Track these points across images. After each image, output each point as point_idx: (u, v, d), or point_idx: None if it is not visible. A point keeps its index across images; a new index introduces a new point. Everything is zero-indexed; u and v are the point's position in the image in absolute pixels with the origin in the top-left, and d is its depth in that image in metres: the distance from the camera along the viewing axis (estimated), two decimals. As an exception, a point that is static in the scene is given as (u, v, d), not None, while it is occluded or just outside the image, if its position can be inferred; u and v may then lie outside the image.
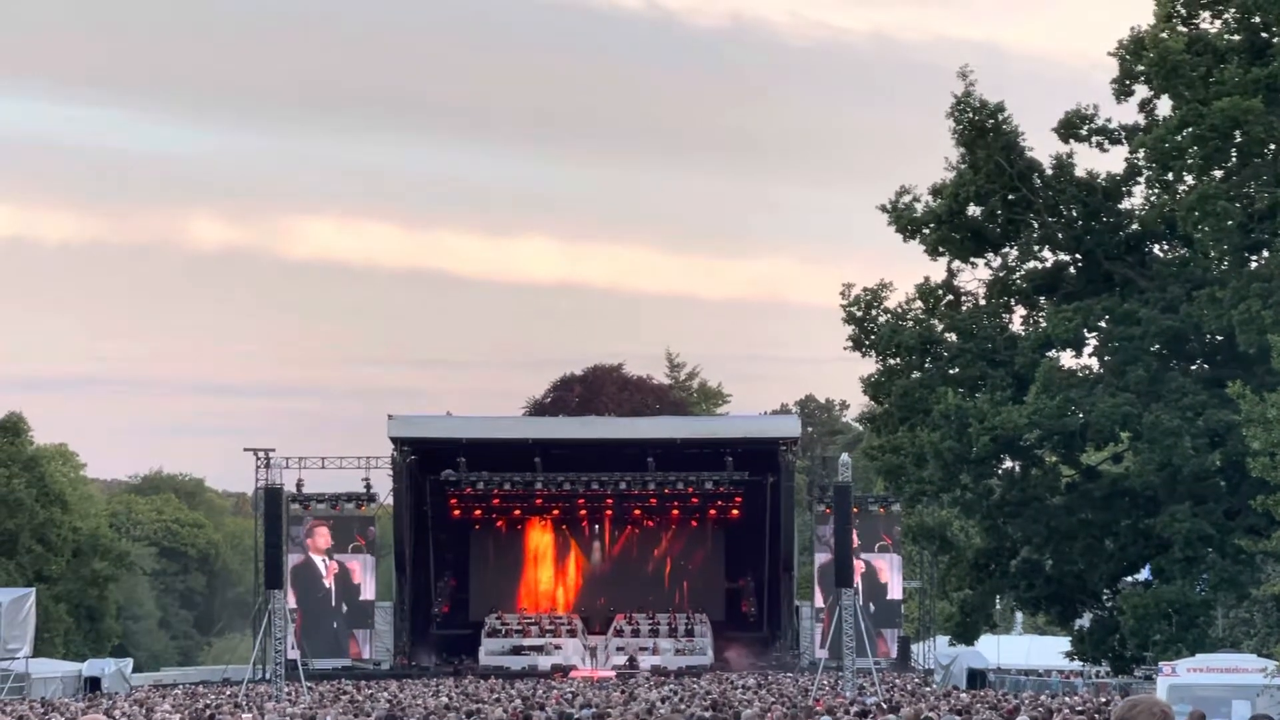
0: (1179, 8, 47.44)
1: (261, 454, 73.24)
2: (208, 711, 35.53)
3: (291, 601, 72.93)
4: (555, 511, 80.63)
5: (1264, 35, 47.12)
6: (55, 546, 77.52)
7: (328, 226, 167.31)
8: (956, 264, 51.81)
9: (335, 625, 76.89)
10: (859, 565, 73.80)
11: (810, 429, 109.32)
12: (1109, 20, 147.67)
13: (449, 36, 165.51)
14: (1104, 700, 37.19)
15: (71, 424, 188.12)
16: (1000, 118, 50.09)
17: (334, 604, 76.90)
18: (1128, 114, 50.09)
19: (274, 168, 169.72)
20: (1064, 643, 55.84)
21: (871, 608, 72.75)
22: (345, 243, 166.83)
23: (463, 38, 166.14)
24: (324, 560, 77.17)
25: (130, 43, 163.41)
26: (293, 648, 69.70)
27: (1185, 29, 47.21)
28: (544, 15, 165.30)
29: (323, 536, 77.17)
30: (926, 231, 50.81)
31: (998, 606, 59.68)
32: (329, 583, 77.04)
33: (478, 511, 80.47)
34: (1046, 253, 51.95)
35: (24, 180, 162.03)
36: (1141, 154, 48.96)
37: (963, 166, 50.57)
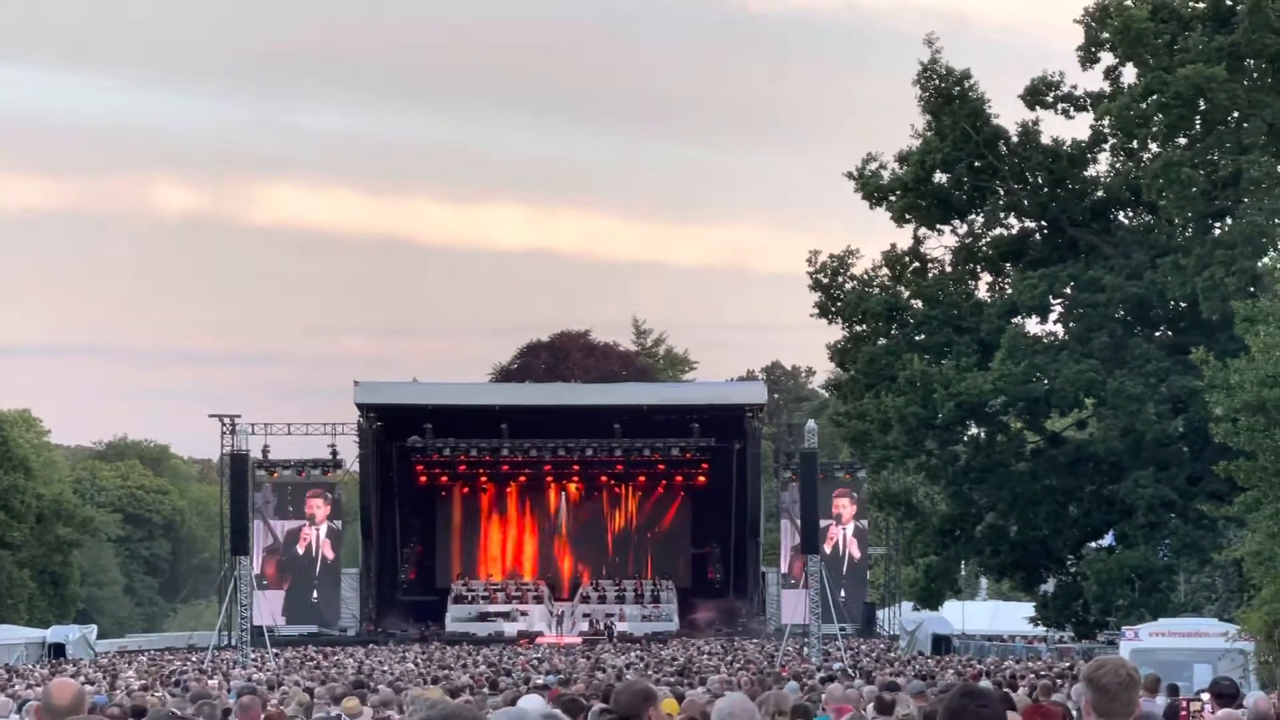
0: (1144, -25, 47.54)
1: (227, 420, 73.12)
2: (174, 677, 35.51)
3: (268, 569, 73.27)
4: (522, 478, 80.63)
5: (1228, 3, 47.26)
6: (18, 512, 77.22)
7: (293, 193, 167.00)
8: (923, 231, 51.96)
9: (318, 593, 77.21)
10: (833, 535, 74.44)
11: (776, 395, 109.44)
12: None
13: (420, 7, 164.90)
14: (1067, 665, 37.40)
15: (35, 390, 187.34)
16: (966, 85, 50.19)
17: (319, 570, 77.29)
18: (1093, 81, 50.29)
19: (238, 134, 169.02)
20: (1028, 608, 56.12)
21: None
22: (311, 209, 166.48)
23: (434, 8, 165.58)
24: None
25: (92, 8, 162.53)
26: (280, 613, 70.07)
27: (1150, -4, 47.32)
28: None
29: (314, 506, 77.47)
30: (893, 199, 50.90)
31: (962, 572, 59.89)
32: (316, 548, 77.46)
33: (444, 478, 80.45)
34: (1012, 219, 52.18)
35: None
36: (1106, 121, 49.13)
37: (929, 134, 50.66)
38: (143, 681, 32.42)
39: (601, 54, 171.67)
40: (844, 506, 77.10)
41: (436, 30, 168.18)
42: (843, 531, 77.23)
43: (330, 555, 77.80)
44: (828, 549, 71.98)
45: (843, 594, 71.41)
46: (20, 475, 78.10)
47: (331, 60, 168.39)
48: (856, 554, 77.78)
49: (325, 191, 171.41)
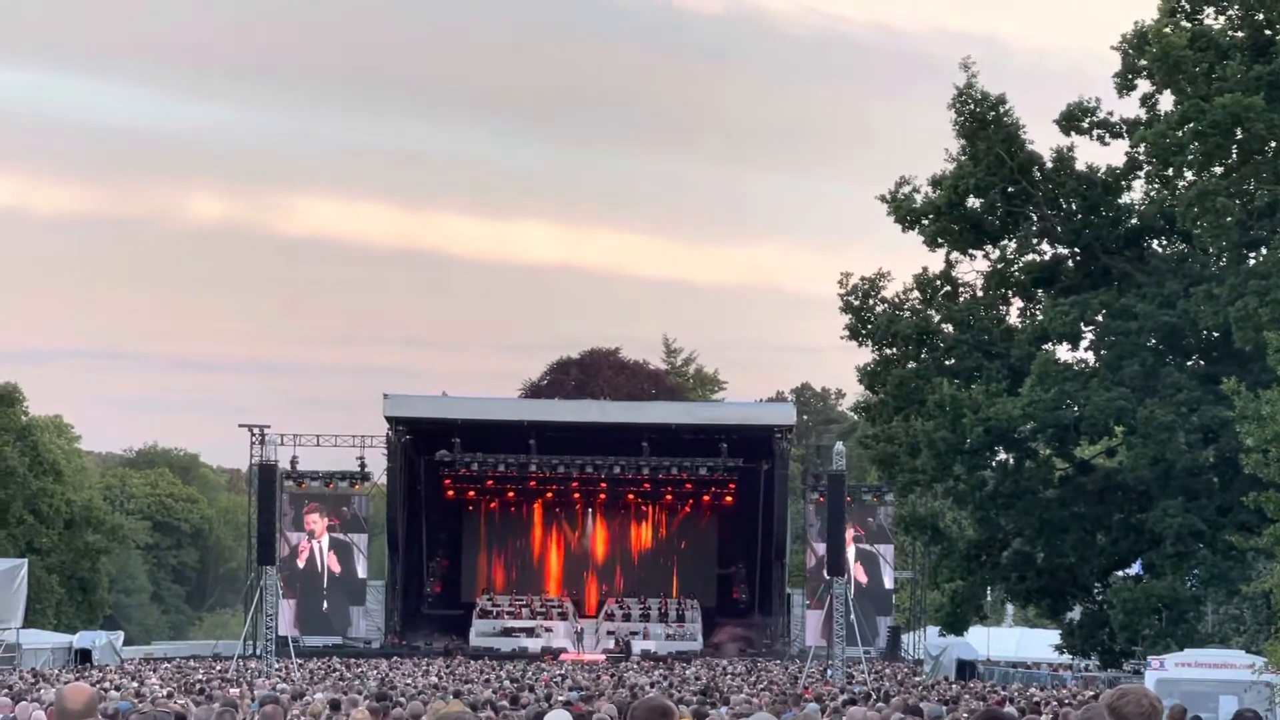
0: (1183, 3, 47.42)
1: (256, 430, 73.33)
2: (198, 686, 35.59)
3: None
4: (549, 494, 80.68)
5: (1267, 33, 47.10)
6: (48, 518, 77.50)
7: (325, 204, 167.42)
8: (955, 255, 51.87)
9: (327, 604, 77.03)
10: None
11: (805, 417, 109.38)
12: (1108, 15, 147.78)
13: (450, 18, 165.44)
14: (1091, 694, 37.24)
15: (67, 397, 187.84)
16: (1001, 110, 50.10)
17: (327, 583, 77.03)
18: (1129, 108, 50.15)
19: (272, 144, 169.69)
20: (1054, 635, 55.90)
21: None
22: (342, 221, 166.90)
23: (465, 20, 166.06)
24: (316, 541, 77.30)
25: (129, 16, 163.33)
26: (293, 624, 70.07)
27: (1189, 24, 47.20)
28: (547, 1, 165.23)
29: (311, 521, 77.24)
30: (925, 222, 50.82)
31: (988, 598, 59.67)
32: (320, 561, 77.21)
33: (471, 492, 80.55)
34: (1045, 245, 52.03)
35: (20, 153, 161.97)
36: (1142, 148, 48.95)
37: (963, 158, 50.58)
38: (168, 689, 32.51)
39: (635, 74, 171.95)
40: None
41: (471, 45, 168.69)
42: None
43: (337, 568, 77.30)
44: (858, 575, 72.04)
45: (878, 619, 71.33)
46: (50, 480, 78.40)
47: (364, 72, 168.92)
48: (864, 579, 77.44)
49: (356, 203, 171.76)
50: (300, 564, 76.80)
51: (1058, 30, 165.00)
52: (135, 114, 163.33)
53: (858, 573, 76.73)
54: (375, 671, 48.48)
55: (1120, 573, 51.26)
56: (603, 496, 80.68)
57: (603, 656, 68.71)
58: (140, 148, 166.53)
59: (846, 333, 51.78)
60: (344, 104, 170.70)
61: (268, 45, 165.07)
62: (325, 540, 77.43)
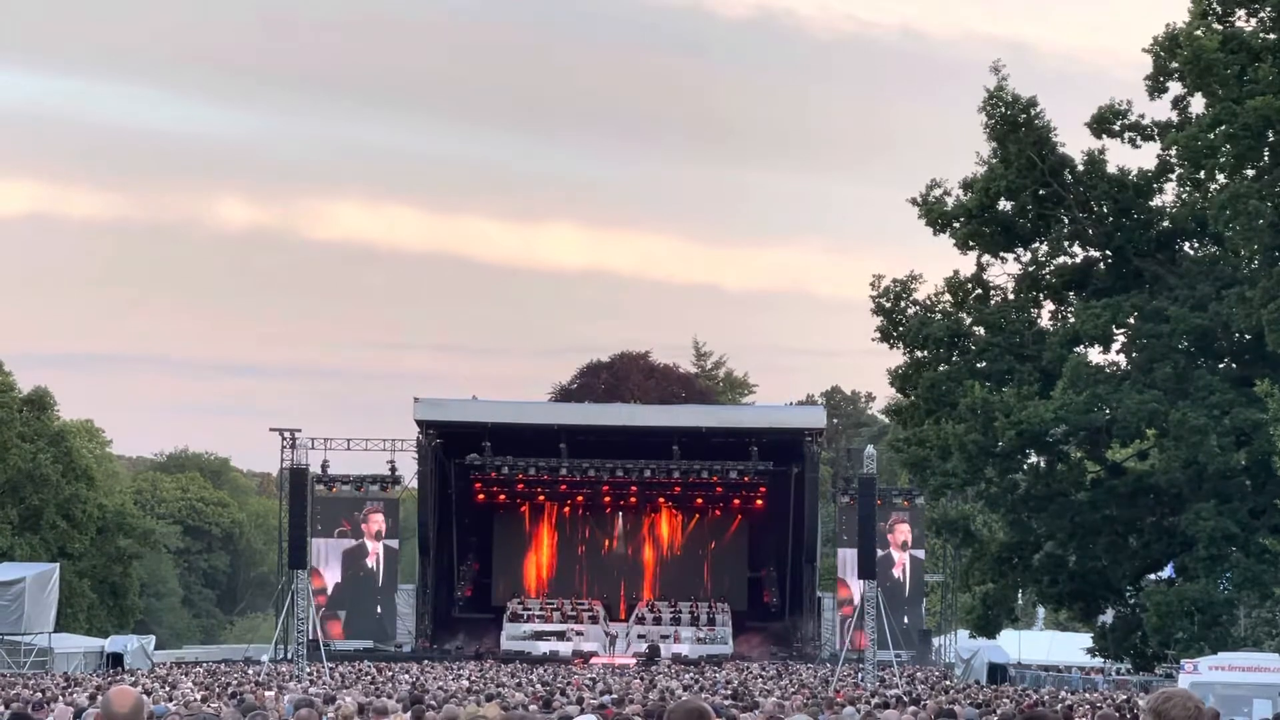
0: (1214, 5, 47.28)
1: (287, 434, 73.50)
2: (230, 690, 35.67)
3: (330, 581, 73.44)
4: (579, 498, 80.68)
5: (1299, 35, 46.95)
6: (80, 523, 77.79)
7: (353, 209, 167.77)
8: (986, 258, 51.76)
9: (376, 607, 77.36)
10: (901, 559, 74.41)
11: (836, 420, 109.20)
12: (1135, 18, 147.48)
13: (477, 22, 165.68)
14: (1124, 698, 37.13)
15: (98, 401, 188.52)
16: (1032, 113, 49.99)
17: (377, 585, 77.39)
18: (1161, 110, 50.00)
19: (300, 149, 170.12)
20: (1086, 639, 55.76)
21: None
22: (370, 225, 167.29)
23: (492, 24, 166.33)
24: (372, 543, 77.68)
25: (159, 21, 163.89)
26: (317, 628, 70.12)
27: (1220, 27, 47.05)
28: (578, 5, 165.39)
29: (375, 521, 77.58)
30: (957, 225, 50.73)
31: (1020, 601, 59.54)
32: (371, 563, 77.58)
33: (502, 496, 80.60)
34: (1076, 248, 51.88)
35: (50, 157, 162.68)
36: (1174, 151, 48.81)
37: (994, 161, 50.47)
38: (202, 693, 32.60)
39: (663, 78, 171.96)
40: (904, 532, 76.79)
41: (498, 51, 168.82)
42: (905, 557, 76.89)
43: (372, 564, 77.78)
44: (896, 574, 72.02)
45: (905, 620, 71.16)
46: (82, 485, 78.67)
47: (394, 77, 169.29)
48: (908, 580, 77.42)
49: (386, 208, 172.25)
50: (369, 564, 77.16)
51: (1080, 35, 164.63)
52: (167, 119, 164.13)
53: (899, 573, 76.60)
54: (407, 675, 48.53)
55: (1152, 576, 51.12)
56: (633, 500, 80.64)
57: (634, 660, 68.65)
58: (172, 153, 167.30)
59: (878, 335, 51.74)
60: (373, 109, 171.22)
61: (297, 52, 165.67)
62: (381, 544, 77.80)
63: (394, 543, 78.45)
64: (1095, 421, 47.51)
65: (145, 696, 28.68)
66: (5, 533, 73.68)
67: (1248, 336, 47.66)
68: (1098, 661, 56.86)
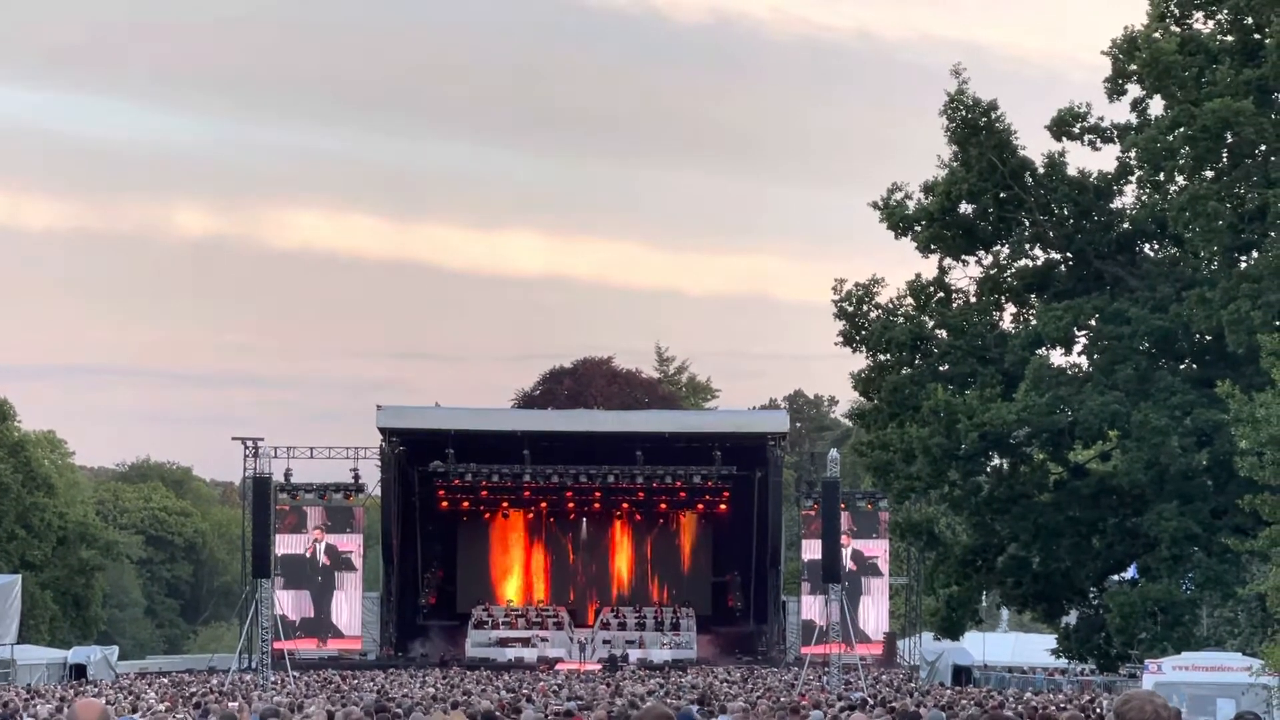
0: (1172, 8, 47.52)
1: (250, 443, 73.26)
2: (194, 700, 35.52)
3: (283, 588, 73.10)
4: (543, 504, 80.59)
5: (1256, 36, 47.21)
6: (41, 533, 77.42)
7: (314, 217, 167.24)
8: (948, 261, 51.85)
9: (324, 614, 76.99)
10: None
11: (799, 424, 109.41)
12: (1090, 22, 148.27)
13: (439, 31, 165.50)
14: (1088, 699, 37.26)
15: (59, 412, 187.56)
16: (993, 116, 50.11)
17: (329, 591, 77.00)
18: (1120, 113, 50.22)
19: (261, 157, 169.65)
20: (1050, 640, 55.90)
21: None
22: (332, 234, 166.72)
23: (453, 33, 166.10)
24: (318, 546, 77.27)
25: (118, 30, 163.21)
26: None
27: (1178, 29, 47.28)
28: (535, 11, 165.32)
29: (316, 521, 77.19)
30: (918, 229, 50.81)
31: (984, 603, 59.68)
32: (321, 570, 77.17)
33: (465, 503, 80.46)
34: (1038, 251, 52.00)
35: (9, 167, 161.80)
36: (1133, 153, 49.03)
37: (955, 164, 50.58)
38: (164, 704, 32.45)
39: (622, 83, 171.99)
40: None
41: (456, 56, 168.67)
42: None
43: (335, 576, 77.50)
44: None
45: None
46: (43, 495, 78.31)
47: (353, 85, 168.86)
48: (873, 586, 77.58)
49: (346, 215, 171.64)
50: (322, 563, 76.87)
51: (1032, 37, 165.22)
52: (123, 128, 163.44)
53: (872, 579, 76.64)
54: (372, 683, 48.42)
55: (1116, 576, 51.26)
56: (596, 506, 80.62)
57: (599, 666, 68.62)
58: (130, 162, 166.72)
59: (840, 339, 51.77)
60: (333, 117, 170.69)
61: (255, 59, 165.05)
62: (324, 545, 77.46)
63: (351, 549, 77.60)
64: (1057, 423, 47.66)
65: (109, 708, 28.56)
66: (-34, 544, 73.34)
67: (1208, 337, 47.86)
68: (1062, 663, 57.00)
